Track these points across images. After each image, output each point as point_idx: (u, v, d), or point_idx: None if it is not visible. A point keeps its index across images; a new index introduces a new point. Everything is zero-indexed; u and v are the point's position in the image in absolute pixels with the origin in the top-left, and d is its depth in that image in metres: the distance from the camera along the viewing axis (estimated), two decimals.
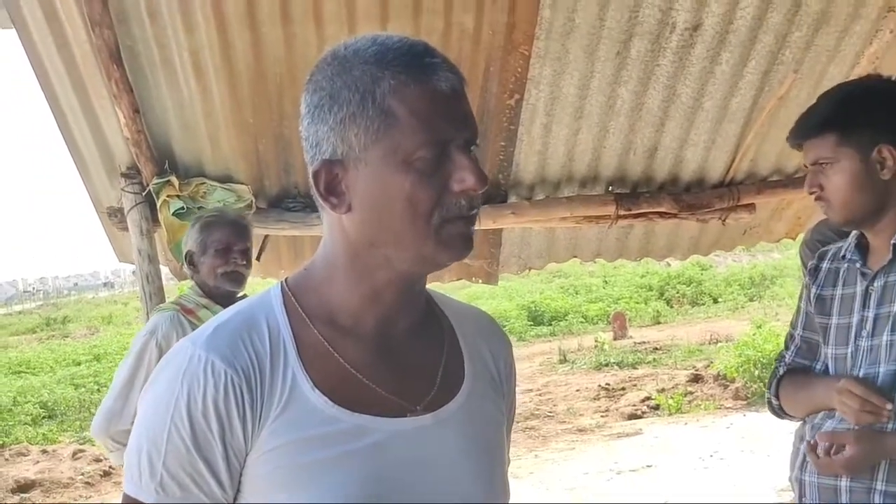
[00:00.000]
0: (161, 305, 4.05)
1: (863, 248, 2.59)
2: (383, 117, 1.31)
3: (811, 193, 2.58)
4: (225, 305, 3.58)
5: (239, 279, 3.78)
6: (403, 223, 1.33)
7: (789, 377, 2.80)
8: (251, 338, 1.37)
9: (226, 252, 3.73)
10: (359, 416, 1.36)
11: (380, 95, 1.31)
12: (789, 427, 3.02)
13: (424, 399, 1.42)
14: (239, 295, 3.81)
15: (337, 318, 1.41)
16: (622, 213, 5.43)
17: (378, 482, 1.34)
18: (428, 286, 1.52)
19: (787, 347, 2.87)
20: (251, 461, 1.34)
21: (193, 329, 3.57)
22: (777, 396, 2.83)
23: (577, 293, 27.64)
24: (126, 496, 1.37)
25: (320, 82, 1.37)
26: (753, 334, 15.02)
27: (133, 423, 3.83)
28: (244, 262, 3.78)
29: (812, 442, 2.51)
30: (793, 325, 2.87)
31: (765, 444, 10.28)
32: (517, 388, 1.69)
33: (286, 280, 1.47)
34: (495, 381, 1.55)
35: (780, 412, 2.85)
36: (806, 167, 2.60)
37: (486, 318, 1.64)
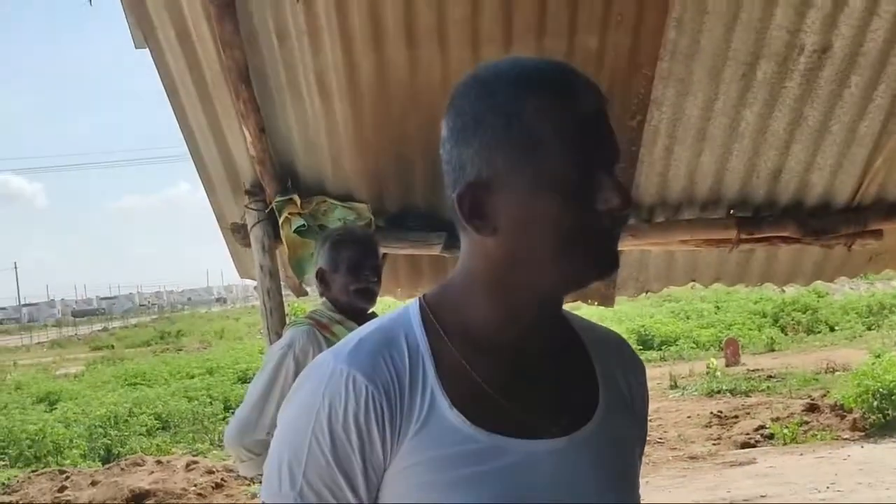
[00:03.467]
0: (295, 320, 4.10)
1: None
2: (529, 140, 1.31)
3: None
4: (357, 321, 3.63)
5: (370, 296, 3.82)
6: (550, 245, 1.33)
7: None
8: (391, 354, 1.37)
9: (357, 269, 3.77)
10: (496, 436, 1.35)
11: (525, 118, 1.31)
12: None
13: (560, 421, 1.40)
14: (369, 311, 3.86)
15: (474, 337, 1.40)
16: (744, 237, 5.34)
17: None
18: None
19: None
20: (389, 477, 1.34)
21: (328, 344, 3.63)
22: None
23: (688, 318, 27.28)
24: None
25: (462, 106, 1.37)
26: (872, 364, 14.64)
27: (268, 433, 3.90)
28: (375, 279, 3.81)
29: None
30: None
31: (884, 477, 9.99)
32: None
33: (424, 296, 1.47)
34: (628, 405, 1.53)
35: None
36: None
37: (620, 341, 1.62)
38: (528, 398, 1.39)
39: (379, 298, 4.01)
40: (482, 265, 1.40)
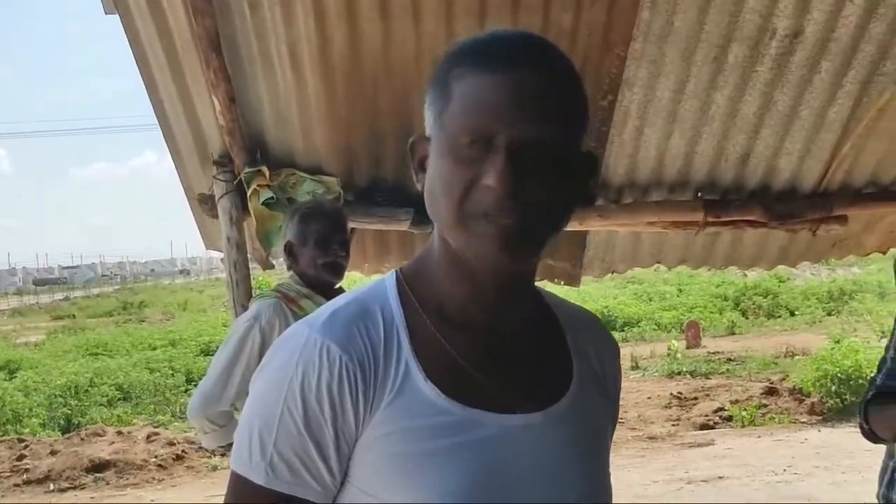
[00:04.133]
0: (262, 293, 4.09)
1: None
2: (444, 99, 1.33)
3: None
4: (325, 296, 3.62)
5: (338, 270, 3.82)
6: (440, 206, 1.33)
7: (878, 400, 2.76)
8: (366, 325, 1.37)
9: (325, 243, 3.77)
10: (471, 410, 1.35)
11: (448, 79, 1.32)
12: (866, 445, 2.96)
13: (535, 396, 1.40)
14: (336, 286, 3.85)
15: (449, 311, 1.41)
16: (710, 219, 5.37)
17: (489, 476, 1.33)
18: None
19: (878, 370, 2.82)
20: (360, 447, 1.34)
21: (295, 318, 3.63)
22: (867, 420, 2.78)
23: (650, 300, 27.47)
24: (235, 474, 1.37)
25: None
26: (831, 349, 14.80)
27: (232, 405, 3.88)
28: (343, 254, 3.82)
29: None
30: (886, 349, 2.82)
31: (840, 461, 10.12)
32: None
33: (401, 269, 1.47)
34: (601, 383, 1.54)
35: (872, 436, 2.80)
36: None
37: (594, 319, 1.63)
38: (503, 373, 1.40)
39: (346, 273, 4.00)
40: (437, 231, 1.42)
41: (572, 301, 1.61)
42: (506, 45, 1.32)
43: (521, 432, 1.37)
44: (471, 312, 1.41)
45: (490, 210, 1.28)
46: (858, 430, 2.89)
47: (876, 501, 2.96)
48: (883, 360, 2.81)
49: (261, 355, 3.73)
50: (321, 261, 3.77)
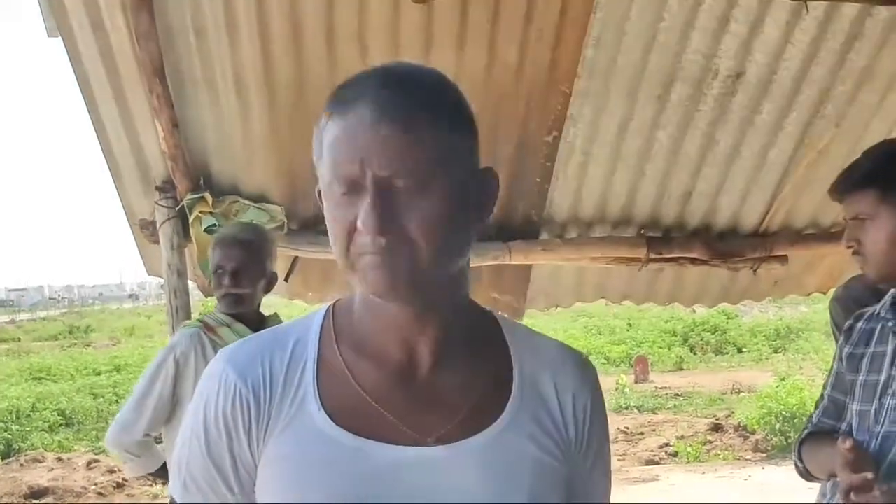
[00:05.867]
0: (187, 322, 4.05)
1: None
2: (319, 148, 1.33)
3: (849, 248, 2.56)
4: (250, 325, 3.59)
5: (231, 301, 3.71)
6: (335, 248, 1.33)
7: (812, 439, 2.77)
8: (272, 355, 1.39)
9: (218, 275, 3.69)
10: (362, 440, 1.34)
11: (321, 126, 1.33)
12: (808, 483, 2.98)
13: (443, 430, 1.37)
14: (270, 315, 3.81)
15: (364, 343, 1.40)
16: (653, 256, 5.41)
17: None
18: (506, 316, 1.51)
19: (816, 408, 2.84)
20: (259, 471, 1.37)
21: (214, 347, 3.60)
22: (801, 459, 2.79)
23: (600, 334, 27.53)
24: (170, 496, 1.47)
25: None
26: (777, 386, 14.92)
27: (145, 435, 3.82)
28: (231, 283, 3.68)
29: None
30: (824, 387, 2.84)
31: (783, 498, 10.16)
32: None
33: (336, 301, 1.47)
34: (554, 422, 1.45)
35: (806, 475, 2.81)
36: (845, 220, 2.58)
37: (569, 357, 1.52)
38: (409, 408, 1.37)
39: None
40: None
41: (552, 337, 1.56)
42: (361, 85, 1.30)
43: (415, 465, 1.34)
44: (383, 345, 1.40)
45: (366, 251, 1.27)
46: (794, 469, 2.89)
47: None
48: (820, 398, 2.83)
49: (175, 385, 3.70)
50: (216, 292, 3.72)
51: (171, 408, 3.70)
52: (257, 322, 3.70)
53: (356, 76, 1.34)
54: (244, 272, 3.69)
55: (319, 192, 1.38)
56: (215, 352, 3.70)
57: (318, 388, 1.37)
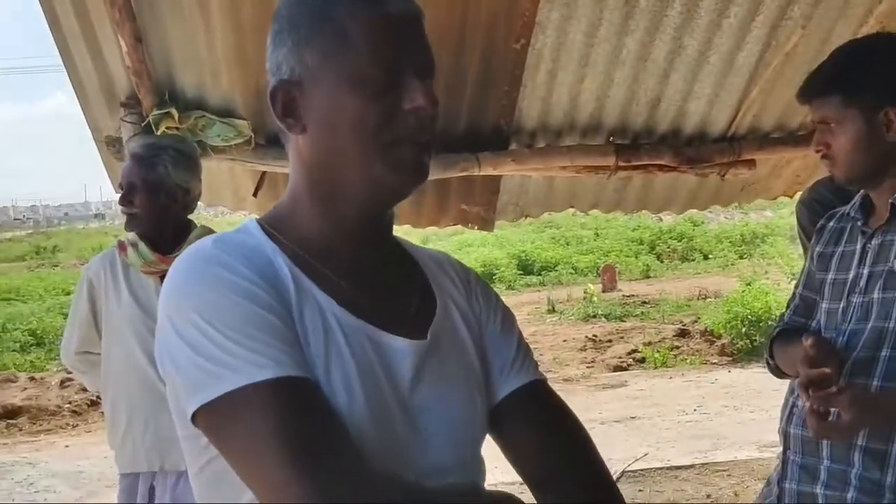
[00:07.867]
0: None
1: (866, 207, 2.61)
2: (336, 37, 1.34)
3: (817, 151, 2.58)
4: (159, 244, 3.56)
5: (126, 221, 3.62)
6: (352, 142, 1.35)
7: (783, 336, 2.82)
8: (250, 250, 1.37)
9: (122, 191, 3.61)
10: (364, 323, 1.38)
11: (336, 16, 1.34)
12: (774, 385, 3.03)
13: (401, 330, 1.41)
14: (181, 232, 3.68)
15: (314, 249, 1.40)
16: (622, 164, 5.41)
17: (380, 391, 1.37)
18: (422, 232, 1.53)
19: (787, 307, 2.89)
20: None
21: (123, 267, 3.56)
22: (773, 356, 2.84)
23: (567, 244, 27.68)
24: (230, 394, 1.23)
25: (280, 11, 1.41)
26: (742, 291, 15.12)
27: (76, 352, 3.89)
28: (122, 201, 3.60)
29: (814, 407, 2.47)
30: (795, 286, 2.89)
31: (749, 400, 10.38)
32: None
33: (259, 219, 1.46)
34: (465, 312, 1.55)
35: (777, 372, 2.86)
36: (813, 124, 2.60)
37: (445, 256, 1.65)
38: (372, 310, 1.40)
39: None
40: (301, 172, 1.42)
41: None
42: None
43: (409, 354, 1.40)
44: (334, 252, 1.41)
45: (415, 132, 1.35)
46: (766, 368, 2.95)
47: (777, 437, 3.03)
48: (792, 297, 2.88)
49: (91, 303, 3.68)
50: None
51: (97, 324, 3.70)
52: (173, 241, 3.60)
53: None
54: (135, 190, 3.56)
55: (275, 91, 1.39)
56: (124, 271, 3.68)
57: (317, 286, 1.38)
